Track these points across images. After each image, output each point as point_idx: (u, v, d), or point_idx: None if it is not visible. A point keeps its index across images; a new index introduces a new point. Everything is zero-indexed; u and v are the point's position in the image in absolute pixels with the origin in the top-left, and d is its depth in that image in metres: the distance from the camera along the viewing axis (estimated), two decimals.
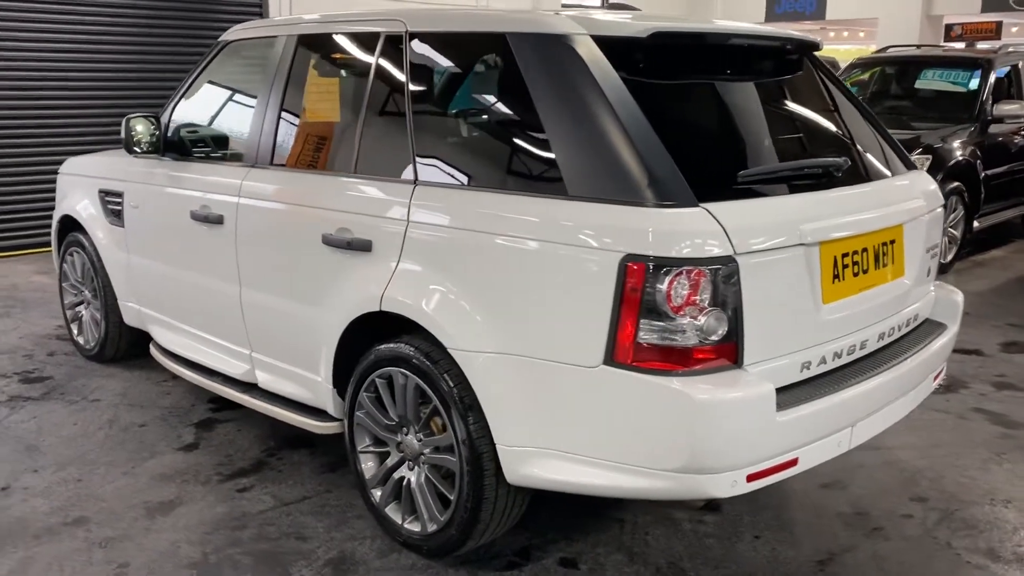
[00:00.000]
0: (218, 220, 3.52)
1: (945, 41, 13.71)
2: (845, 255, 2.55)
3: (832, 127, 2.98)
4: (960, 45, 13.33)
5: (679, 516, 3.19)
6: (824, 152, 2.85)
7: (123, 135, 3.80)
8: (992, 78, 7.98)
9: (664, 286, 2.19)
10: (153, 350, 4.27)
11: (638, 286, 2.21)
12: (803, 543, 3.05)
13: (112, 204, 4.34)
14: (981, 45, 12.78)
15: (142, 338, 4.55)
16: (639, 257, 2.20)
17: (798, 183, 2.57)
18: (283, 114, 3.36)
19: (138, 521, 3.13)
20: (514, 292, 2.47)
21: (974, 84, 8.04)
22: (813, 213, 2.46)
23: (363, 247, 2.89)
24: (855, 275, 2.60)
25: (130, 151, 3.86)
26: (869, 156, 2.95)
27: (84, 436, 3.86)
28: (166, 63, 8.49)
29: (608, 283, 2.25)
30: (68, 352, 4.99)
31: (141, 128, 3.82)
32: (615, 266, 2.24)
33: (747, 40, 2.75)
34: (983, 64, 8.12)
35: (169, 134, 3.94)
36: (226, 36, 3.78)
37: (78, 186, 4.71)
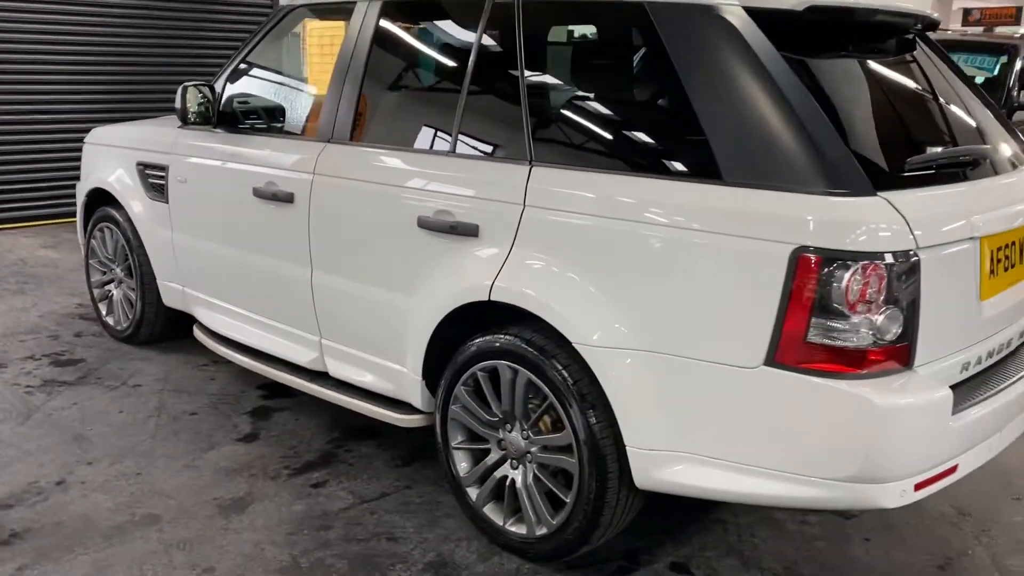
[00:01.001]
0: (287, 198, 3.29)
1: (963, 26, 13.65)
2: (999, 248, 2.41)
3: (961, 111, 2.83)
4: (978, 30, 13.28)
5: (780, 516, 3.06)
6: (965, 138, 2.70)
7: (178, 104, 3.54)
8: (1019, 64, 7.89)
9: (841, 282, 2.03)
10: (198, 333, 4.04)
11: (811, 281, 2.04)
12: (915, 546, 2.92)
13: (154, 178, 4.08)
14: (999, 30, 12.74)
15: (180, 320, 4.32)
16: (814, 250, 2.04)
17: (953, 172, 2.42)
18: (365, 87, 3.13)
19: (213, 520, 2.93)
20: (659, 285, 2.29)
21: (999, 70, 7.95)
22: (979, 204, 2.31)
23: (468, 231, 2.69)
24: (1005, 270, 2.46)
25: (185, 121, 3.60)
26: (1001, 143, 2.81)
27: (133, 425, 3.63)
28: (173, 37, 8.16)
29: (776, 277, 2.08)
30: (96, 333, 4.73)
31: (198, 97, 3.57)
32: (785, 259, 2.07)
33: (889, 16, 2.58)
34: (1010, 50, 8.03)
35: (223, 105, 3.69)
36: (288, 3, 3.53)
37: (111, 157, 4.44)
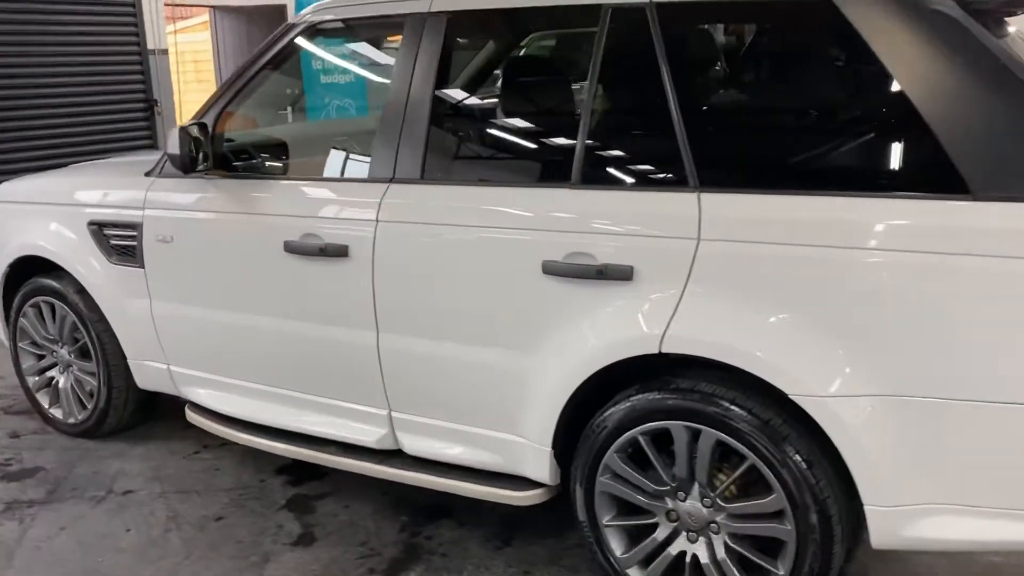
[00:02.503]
0: (339, 252, 2.75)
1: None
2: None
3: None
4: None
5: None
6: None
7: (179, 149, 2.89)
8: None
9: None
10: (194, 416, 3.38)
11: None
12: None
13: (118, 239, 3.36)
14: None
15: (149, 402, 3.66)
16: None
17: None
18: (437, 115, 2.64)
19: None
20: (905, 320, 1.99)
21: None
22: None
23: (619, 275, 2.29)
24: None
25: (189, 171, 2.95)
26: None
27: (153, 546, 2.95)
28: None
29: None
30: (38, 430, 3.90)
31: (199, 138, 2.93)
32: None
33: None
34: None
35: (218, 145, 3.06)
36: (307, 16, 2.95)
37: (40, 217, 3.66)
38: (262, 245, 2.93)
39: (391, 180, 2.70)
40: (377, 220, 2.69)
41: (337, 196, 2.82)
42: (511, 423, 2.60)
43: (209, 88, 9.29)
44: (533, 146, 2.56)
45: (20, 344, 3.88)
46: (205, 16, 9.21)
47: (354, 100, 10.09)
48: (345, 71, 9.99)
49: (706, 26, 2.32)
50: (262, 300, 2.99)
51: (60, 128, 7.37)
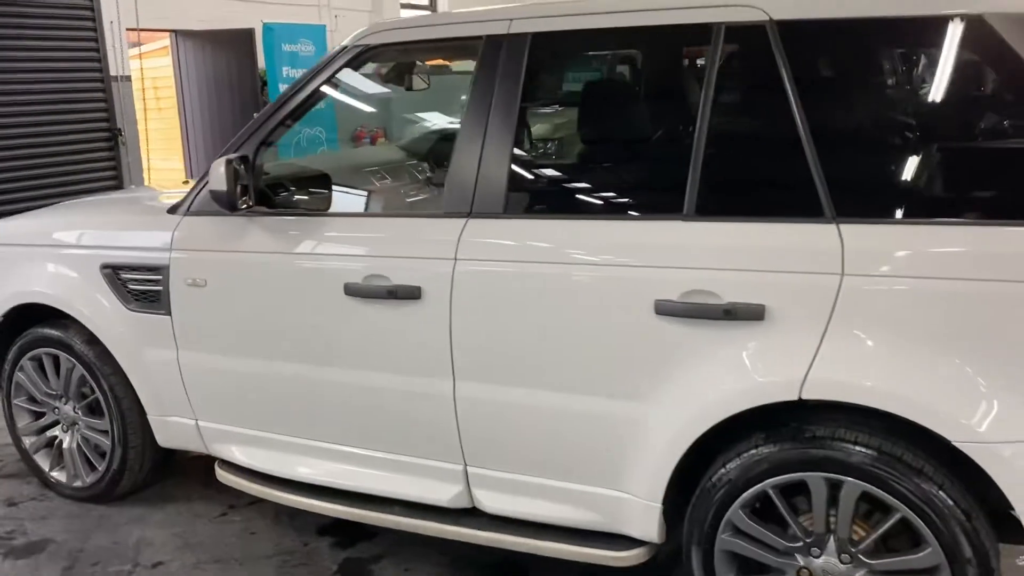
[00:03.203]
0: (410, 294, 2.50)
1: None
2: None
3: None
4: None
5: None
6: None
7: (225, 185, 2.60)
8: None
9: None
10: (227, 475, 3.07)
11: None
12: None
13: (137, 283, 3.05)
14: None
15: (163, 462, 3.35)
16: None
17: None
18: (520, 144, 2.43)
19: None
20: None
21: None
22: None
23: (748, 315, 2.10)
24: None
25: (234, 208, 2.66)
26: None
27: None
28: None
29: None
30: (38, 496, 3.52)
31: (240, 172, 2.66)
32: None
33: None
34: None
35: (260, 179, 2.79)
36: (362, 39, 2.70)
37: (39, 260, 3.32)
38: (318, 288, 2.66)
39: (469, 215, 2.47)
40: (455, 258, 2.46)
41: (405, 233, 2.58)
42: (613, 478, 2.38)
43: (171, 116, 8.90)
44: (633, 175, 2.37)
45: (15, 401, 3.52)
46: (165, 41, 8.83)
47: (324, 129, 9.83)
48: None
49: (836, 44, 2.15)
50: (317, 348, 2.72)
51: (19, 160, 6.93)
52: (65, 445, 3.43)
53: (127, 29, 7.95)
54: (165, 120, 8.98)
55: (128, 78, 8.07)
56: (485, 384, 2.49)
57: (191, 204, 2.95)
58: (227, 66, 8.82)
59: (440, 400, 2.56)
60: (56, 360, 3.36)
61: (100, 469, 3.35)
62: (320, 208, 2.72)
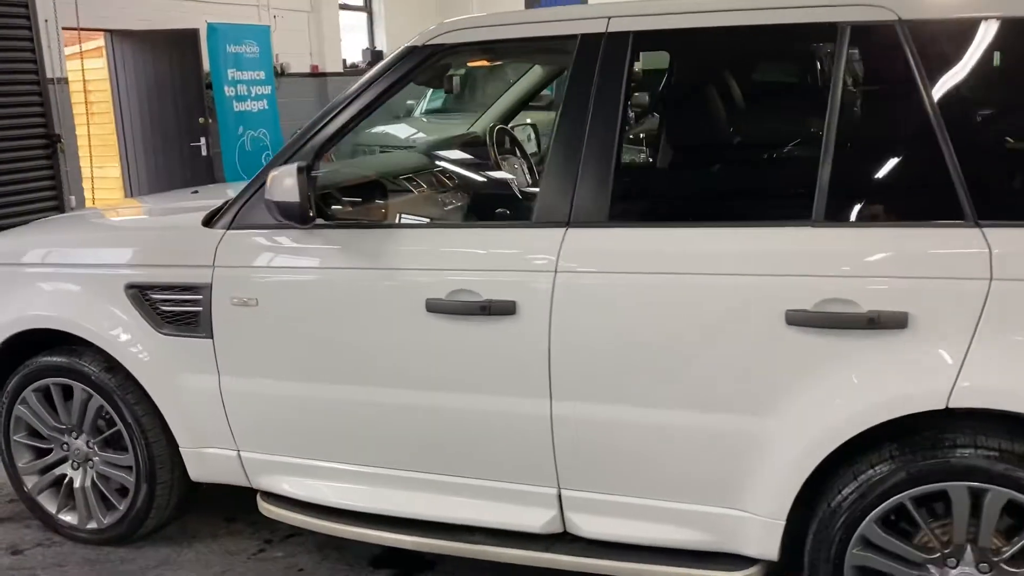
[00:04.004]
0: (505, 310, 2.35)
1: None
2: None
3: None
4: None
5: None
6: None
7: (298, 196, 2.38)
8: None
9: None
10: (271, 508, 2.84)
11: None
12: None
13: (171, 304, 2.79)
14: None
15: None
16: None
17: None
18: (622, 149, 2.30)
19: None
20: None
21: None
22: None
23: (893, 323, 2.03)
24: None
25: (306, 221, 2.44)
26: None
27: None
28: None
29: None
30: (44, 541, 3.19)
31: (303, 183, 2.44)
32: None
33: None
34: None
35: (320, 188, 2.58)
36: (434, 39, 2.51)
37: (43, 283, 3.02)
38: (395, 305, 2.48)
39: (567, 224, 2.33)
40: (556, 271, 2.31)
41: (494, 245, 2.42)
42: (729, 495, 2.28)
43: (107, 121, 8.37)
44: (752, 180, 2.27)
45: (14, 438, 3.18)
46: (99, 41, 8.30)
47: (268, 131, 9.45)
48: (260, 98, 9.33)
49: (967, 44, 2.11)
50: (392, 369, 2.53)
51: None
52: (76, 484, 3.12)
53: (63, 28, 7.43)
54: (99, 125, 8.44)
55: (65, 80, 7.54)
56: (586, 403, 2.35)
57: (235, 216, 2.72)
58: (169, 68, 8.35)
59: (534, 421, 2.41)
60: (64, 391, 3.05)
61: (121, 508, 3.06)
62: (388, 218, 2.53)
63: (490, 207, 2.79)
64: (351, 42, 12.87)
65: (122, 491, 3.07)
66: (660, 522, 2.39)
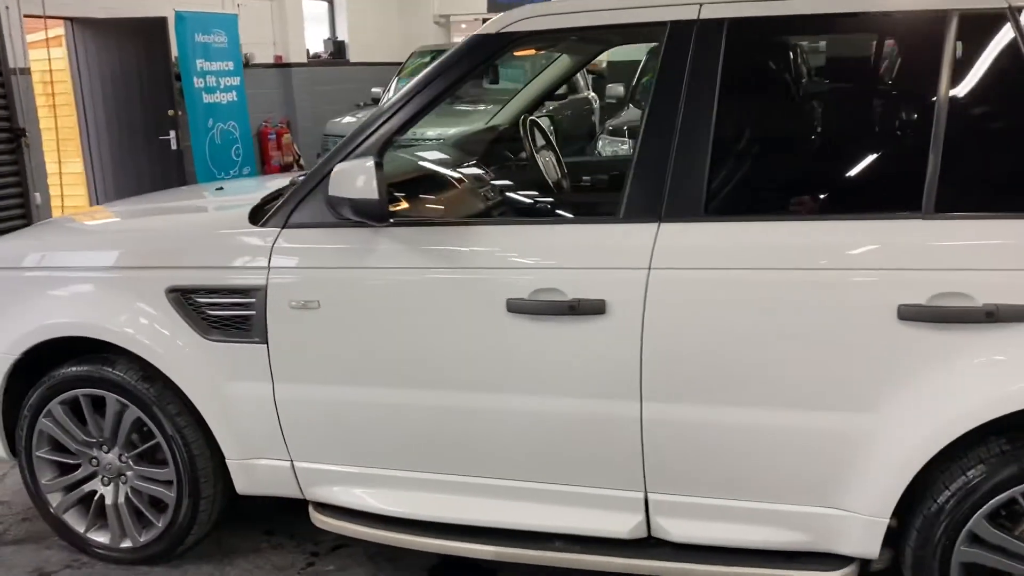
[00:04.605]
0: (595, 309, 2.25)
1: None
2: None
3: None
4: None
5: None
6: None
7: (376, 194, 2.24)
8: None
9: None
10: (326, 519, 2.71)
11: None
12: None
13: (219, 308, 2.63)
14: None
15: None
16: None
17: None
18: (720, 139, 2.22)
19: None
20: None
21: None
22: None
23: (1014, 316, 2.00)
24: None
25: (385, 219, 2.30)
26: None
27: None
28: None
29: None
30: (71, 563, 3.00)
31: (381, 179, 2.30)
32: None
33: None
34: None
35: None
36: (510, 26, 2.39)
37: (69, 287, 2.83)
38: (473, 306, 2.36)
39: (660, 219, 2.25)
40: (650, 268, 2.23)
41: (581, 242, 2.32)
42: (828, 494, 2.23)
43: (69, 113, 7.99)
44: (854, 170, 2.22)
45: (37, 453, 2.97)
46: (59, 30, 7.91)
47: (237, 123, 9.15)
48: (229, 89, 9.02)
49: None
50: (468, 373, 2.42)
51: None
52: (108, 500, 2.93)
53: (25, 16, 7.05)
54: (66, 118, 8.04)
55: (27, 71, 7.16)
56: (680, 404, 2.28)
57: (291, 214, 2.57)
58: (136, 58, 8.00)
59: (622, 423, 2.33)
60: (94, 402, 2.86)
61: (160, 525, 2.88)
62: (458, 214, 2.41)
63: (567, 202, 2.69)
64: (313, 33, 12.58)
65: (157, 505, 2.89)
66: (753, 523, 2.33)
